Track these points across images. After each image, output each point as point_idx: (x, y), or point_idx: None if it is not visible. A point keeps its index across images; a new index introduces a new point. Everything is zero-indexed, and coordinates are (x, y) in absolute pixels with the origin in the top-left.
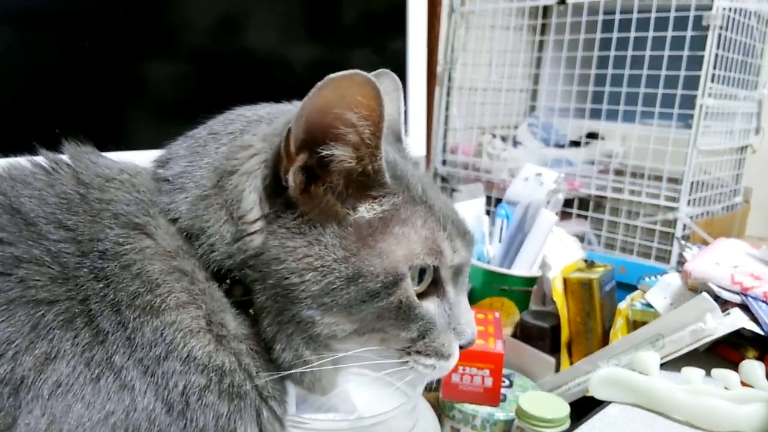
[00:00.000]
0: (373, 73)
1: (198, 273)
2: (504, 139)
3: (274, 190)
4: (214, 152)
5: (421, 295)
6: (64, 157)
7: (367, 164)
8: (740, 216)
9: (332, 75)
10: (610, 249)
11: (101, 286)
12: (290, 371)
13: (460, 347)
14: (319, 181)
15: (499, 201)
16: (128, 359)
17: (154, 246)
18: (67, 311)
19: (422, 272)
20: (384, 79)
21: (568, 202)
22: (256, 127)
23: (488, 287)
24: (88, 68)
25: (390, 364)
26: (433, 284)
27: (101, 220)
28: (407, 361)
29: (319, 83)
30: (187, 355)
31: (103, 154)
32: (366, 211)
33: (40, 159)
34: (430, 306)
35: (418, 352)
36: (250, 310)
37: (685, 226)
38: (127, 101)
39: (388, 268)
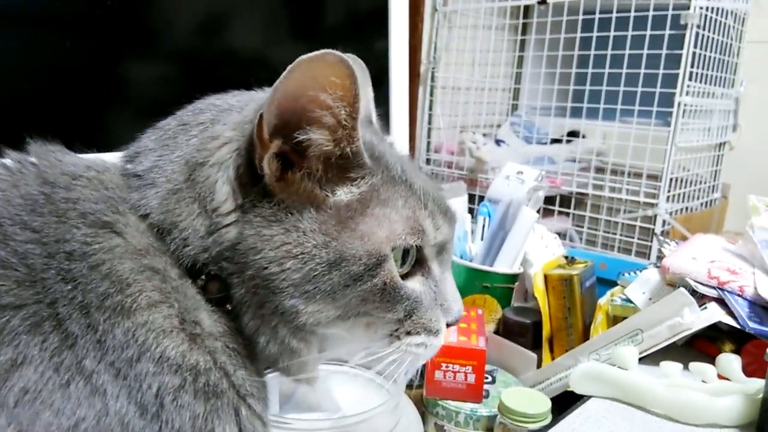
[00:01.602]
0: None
1: (170, 270)
2: (485, 135)
3: (249, 178)
4: (185, 144)
5: (405, 276)
6: (30, 157)
7: (345, 146)
8: (718, 211)
9: (303, 56)
10: (591, 245)
11: (69, 288)
12: (279, 364)
13: (447, 324)
14: (295, 167)
15: (481, 198)
16: (99, 363)
17: (123, 244)
18: (35, 315)
19: (405, 252)
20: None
21: (549, 200)
22: (227, 116)
23: (471, 284)
24: (70, 69)
25: (382, 352)
26: (417, 263)
27: (67, 219)
28: (399, 346)
29: (290, 66)
30: (160, 356)
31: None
32: (345, 193)
33: (5, 159)
34: (416, 285)
35: (408, 333)
36: (228, 306)
37: (664, 221)
38: (110, 102)
39: (370, 250)
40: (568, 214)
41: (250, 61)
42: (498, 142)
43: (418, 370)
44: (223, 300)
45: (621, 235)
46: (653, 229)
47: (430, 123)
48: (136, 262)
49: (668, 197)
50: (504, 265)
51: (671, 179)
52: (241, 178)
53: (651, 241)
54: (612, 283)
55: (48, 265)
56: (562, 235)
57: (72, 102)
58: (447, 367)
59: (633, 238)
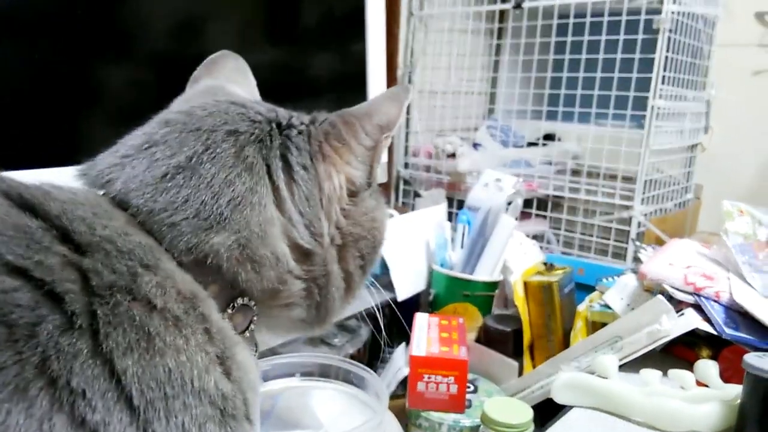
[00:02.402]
0: (216, 54)
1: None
2: (463, 139)
3: None
4: None
5: None
6: None
7: None
8: (692, 212)
9: None
10: (568, 247)
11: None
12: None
13: None
14: None
15: (461, 202)
16: None
17: None
18: None
19: None
20: (229, 59)
21: (527, 202)
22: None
23: (451, 293)
24: (39, 77)
25: None
26: None
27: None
28: None
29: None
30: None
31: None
32: None
33: None
34: None
35: None
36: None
37: (639, 223)
38: (82, 110)
39: None
40: (545, 217)
41: None
42: (475, 145)
43: (400, 381)
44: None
45: (598, 237)
46: (629, 232)
47: (408, 127)
48: None
49: (643, 199)
50: (484, 272)
51: (646, 181)
52: None
53: (627, 243)
54: (590, 288)
55: None
56: (539, 237)
57: (41, 111)
58: (429, 378)
59: (609, 239)
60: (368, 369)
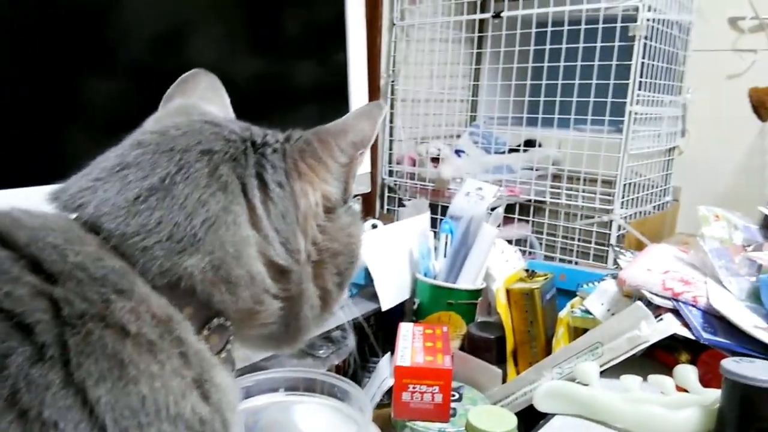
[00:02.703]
0: (189, 72)
1: None
2: (449, 146)
3: None
4: None
5: None
6: None
7: None
8: (670, 214)
9: None
10: (551, 251)
11: None
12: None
13: None
14: None
15: (445, 208)
16: None
17: None
18: None
19: None
20: (202, 78)
21: (509, 208)
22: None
23: (435, 302)
24: (19, 90)
25: None
26: None
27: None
28: None
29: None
30: None
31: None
32: None
33: None
34: None
35: None
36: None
37: (620, 227)
38: (63, 126)
39: None
40: (528, 221)
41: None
42: (458, 152)
43: (384, 392)
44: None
45: (579, 240)
46: (609, 235)
47: (391, 135)
48: None
49: (623, 203)
50: (467, 281)
51: (625, 185)
52: None
53: (608, 246)
54: (572, 294)
55: None
56: (522, 241)
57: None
58: (414, 388)
59: (591, 243)
60: (352, 382)
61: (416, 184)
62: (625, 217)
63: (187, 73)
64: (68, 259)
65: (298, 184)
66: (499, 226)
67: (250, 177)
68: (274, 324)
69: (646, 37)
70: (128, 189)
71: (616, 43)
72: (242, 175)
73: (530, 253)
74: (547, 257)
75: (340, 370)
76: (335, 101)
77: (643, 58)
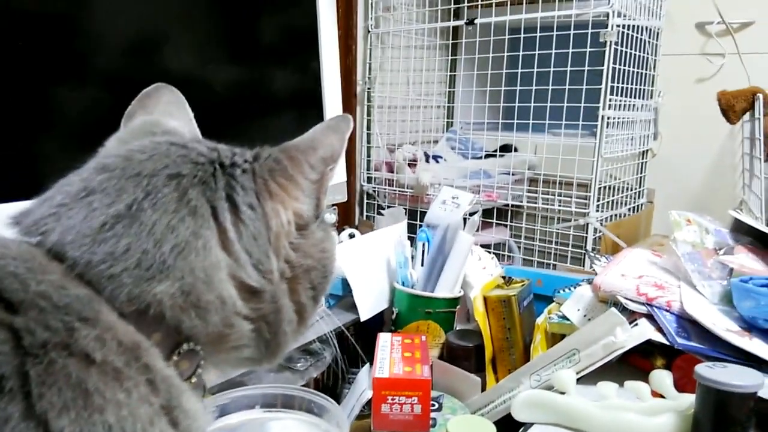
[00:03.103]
0: (150, 87)
1: None
2: (425, 153)
3: None
4: None
5: None
6: None
7: None
8: (645, 216)
9: None
10: (529, 254)
11: None
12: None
13: None
14: None
15: (424, 214)
16: None
17: None
18: None
19: None
20: (164, 93)
21: (487, 212)
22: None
23: (414, 311)
24: None
25: None
26: None
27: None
28: None
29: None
30: None
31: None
32: None
33: None
34: None
35: None
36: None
37: (596, 230)
38: (35, 136)
39: None
40: (506, 226)
41: (184, 82)
42: (435, 158)
43: (364, 403)
44: None
45: (557, 243)
46: (586, 238)
47: (369, 142)
48: None
49: (598, 206)
50: (445, 289)
51: (600, 188)
52: None
53: (584, 249)
54: (550, 299)
55: None
56: (501, 246)
57: None
58: (393, 399)
59: (568, 246)
60: (329, 398)
61: (395, 190)
62: (601, 220)
63: (148, 89)
64: (30, 288)
65: (270, 204)
66: (478, 230)
67: (220, 200)
68: (247, 347)
69: (616, 43)
70: (94, 216)
71: (588, 49)
72: (212, 198)
73: (509, 257)
74: (525, 261)
75: (319, 382)
76: (309, 108)
77: (615, 63)
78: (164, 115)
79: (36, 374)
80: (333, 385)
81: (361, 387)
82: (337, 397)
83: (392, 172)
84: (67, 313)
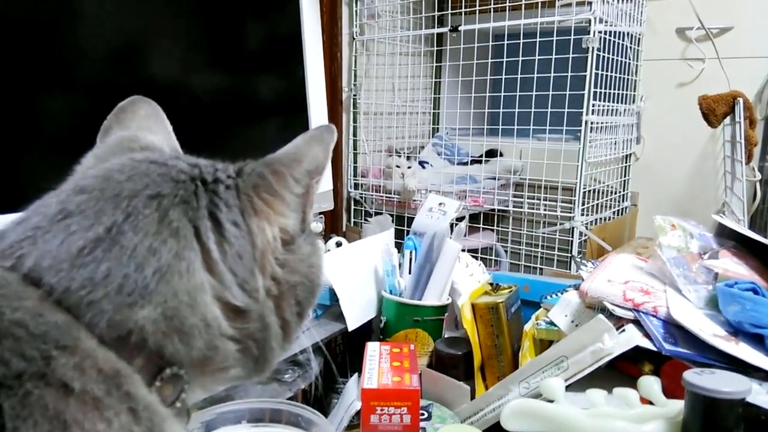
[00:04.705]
0: (126, 100)
1: None
2: (409, 158)
3: None
4: None
5: None
6: None
7: None
8: (630, 219)
9: None
10: (516, 258)
11: None
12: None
13: None
14: None
15: (411, 220)
16: None
17: None
18: None
19: None
20: (140, 106)
21: (474, 217)
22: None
23: (402, 320)
24: None
25: None
26: None
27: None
28: None
29: None
30: None
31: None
32: None
33: None
34: None
35: None
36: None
37: (581, 233)
38: (17, 147)
39: None
40: (492, 230)
41: (168, 89)
42: (422, 163)
43: (353, 414)
44: None
45: (543, 247)
46: (572, 242)
47: (355, 148)
48: None
49: (583, 210)
50: (433, 297)
51: (584, 192)
52: None
53: (570, 253)
54: (537, 305)
55: None
56: (488, 250)
57: None
58: (382, 410)
59: (554, 250)
60: (317, 412)
61: (382, 196)
62: (586, 224)
63: (124, 102)
64: (5, 317)
65: (255, 221)
66: (465, 235)
67: (203, 219)
68: (233, 367)
69: (599, 49)
70: (72, 240)
71: (571, 55)
72: (194, 218)
73: (496, 261)
74: (512, 265)
75: (307, 393)
76: (294, 115)
77: (597, 68)
78: (141, 130)
79: (10, 407)
80: (321, 395)
81: (350, 398)
82: (326, 408)
83: (381, 177)
84: (44, 342)
